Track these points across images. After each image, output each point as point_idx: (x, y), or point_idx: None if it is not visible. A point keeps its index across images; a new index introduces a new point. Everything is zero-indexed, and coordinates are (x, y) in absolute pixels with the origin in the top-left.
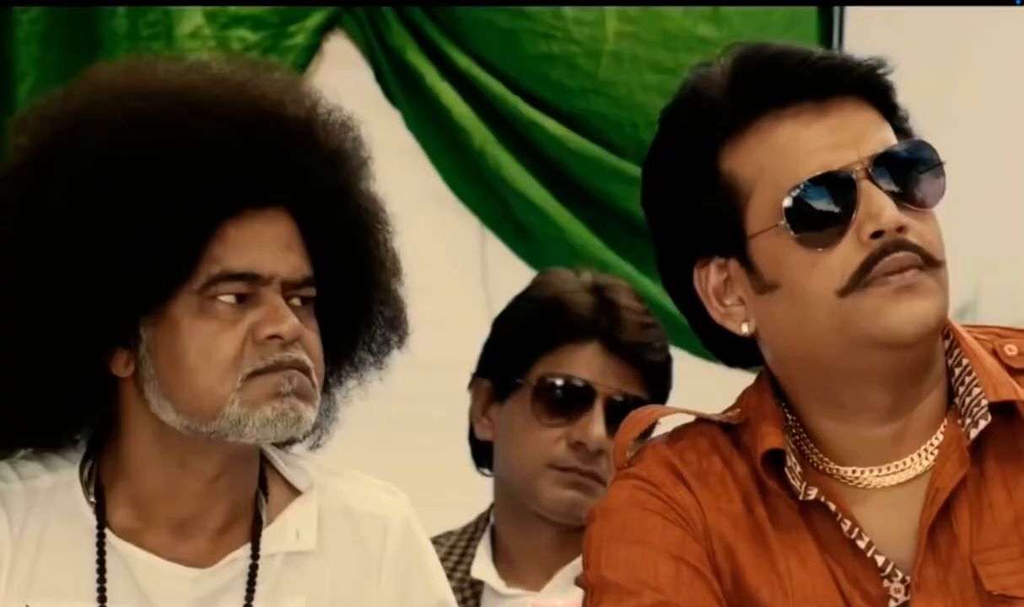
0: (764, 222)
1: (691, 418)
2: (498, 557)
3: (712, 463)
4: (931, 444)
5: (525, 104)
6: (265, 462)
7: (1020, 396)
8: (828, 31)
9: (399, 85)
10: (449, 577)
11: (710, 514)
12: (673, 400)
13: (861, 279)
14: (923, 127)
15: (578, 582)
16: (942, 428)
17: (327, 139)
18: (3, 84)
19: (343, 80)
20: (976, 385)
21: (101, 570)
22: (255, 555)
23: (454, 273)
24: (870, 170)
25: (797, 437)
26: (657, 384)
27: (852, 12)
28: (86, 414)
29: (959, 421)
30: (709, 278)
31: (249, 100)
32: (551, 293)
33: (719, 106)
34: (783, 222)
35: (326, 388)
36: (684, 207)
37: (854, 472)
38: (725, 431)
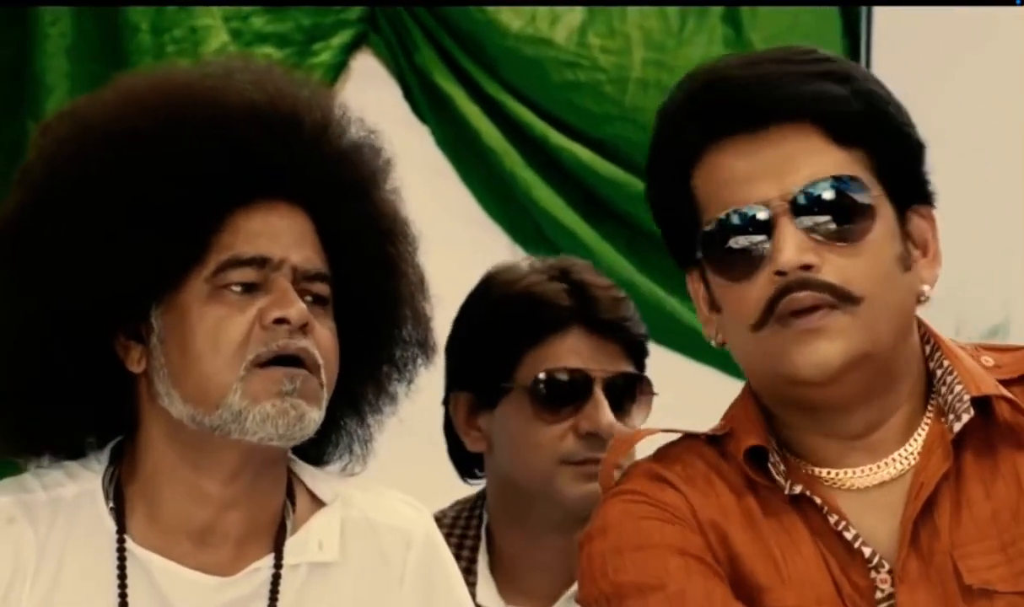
0: (700, 249)
1: (677, 436)
2: (498, 572)
3: (697, 468)
4: (912, 443)
5: (554, 130)
6: (292, 473)
7: (1000, 391)
8: (855, 42)
9: (427, 104)
10: None
11: (700, 509)
12: (691, 410)
13: (769, 317)
14: (953, 134)
15: (578, 600)
16: (924, 427)
17: (342, 139)
18: (34, 96)
19: (371, 98)
20: (958, 383)
21: (122, 578)
22: (278, 564)
23: None
24: (787, 205)
25: (779, 442)
26: (639, 356)
27: (879, 12)
28: (105, 414)
29: (942, 418)
30: (697, 286)
31: (264, 94)
32: (518, 289)
33: (683, 130)
34: (699, 253)
35: (354, 410)
36: (666, 218)
37: (833, 474)
38: (711, 443)
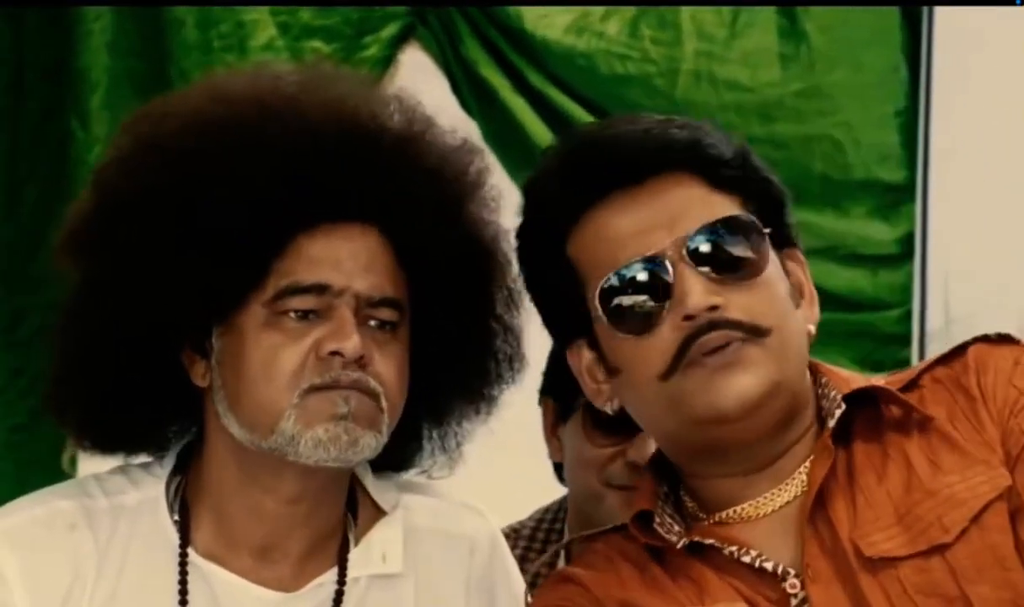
0: (595, 310)
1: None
2: None
3: (600, 556)
4: (807, 464)
5: None
6: (355, 480)
7: (871, 383)
8: (916, 39)
9: (474, 97)
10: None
11: (597, 588)
12: None
13: (679, 363)
14: (1015, 133)
15: None
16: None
17: (421, 156)
18: (78, 94)
19: (418, 91)
20: (831, 388)
21: (183, 591)
22: (342, 580)
23: None
24: (683, 252)
25: (677, 495)
26: None
27: (940, 13)
28: (174, 423)
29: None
30: (582, 356)
31: (338, 112)
32: None
33: (557, 197)
34: (598, 312)
35: (436, 420)
36: (544, 290)
37: (738, 510)
38: (619, 531)
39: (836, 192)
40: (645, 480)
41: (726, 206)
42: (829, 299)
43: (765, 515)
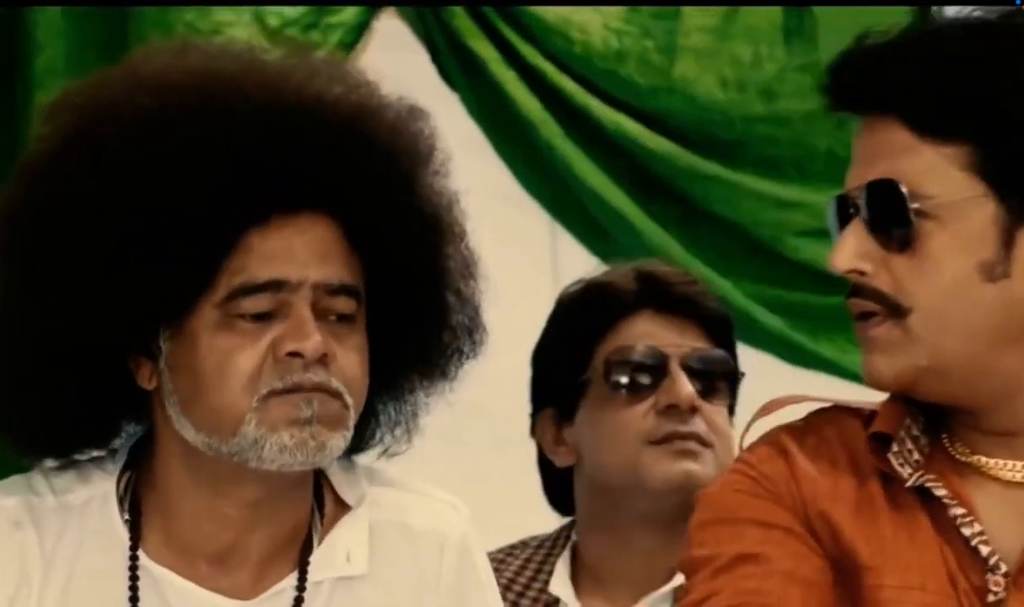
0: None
1: (828, 404)
2: (580, 574)
3: (828, 445)
4: None
5: (597, 100)
6: (320, 472)
7: None
8: (923, 10)
9: (458, 68)
10: (522, 594)
11: (805, 485)
12: (745, 396)
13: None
14: None
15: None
16: None
17: (374, 136)
18: (23, 54)
19: (396, 62)
20: None
21: (134, 598)
22: (301, 585)
23: (523, 274)
24: (858, 204)
25: (939, 426)
26: (720, 333)
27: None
28: (120, 424)
29: None
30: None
31: (280, 95)
32: (583, 287)
33: None
34: None
35: (394, 396)
36: None
37: (983, 461)
38: (865, 418)
39: (841, 171)
40: (897, 399)
41: (927, 162)
42: (834, 282)
43: (1005, 482)
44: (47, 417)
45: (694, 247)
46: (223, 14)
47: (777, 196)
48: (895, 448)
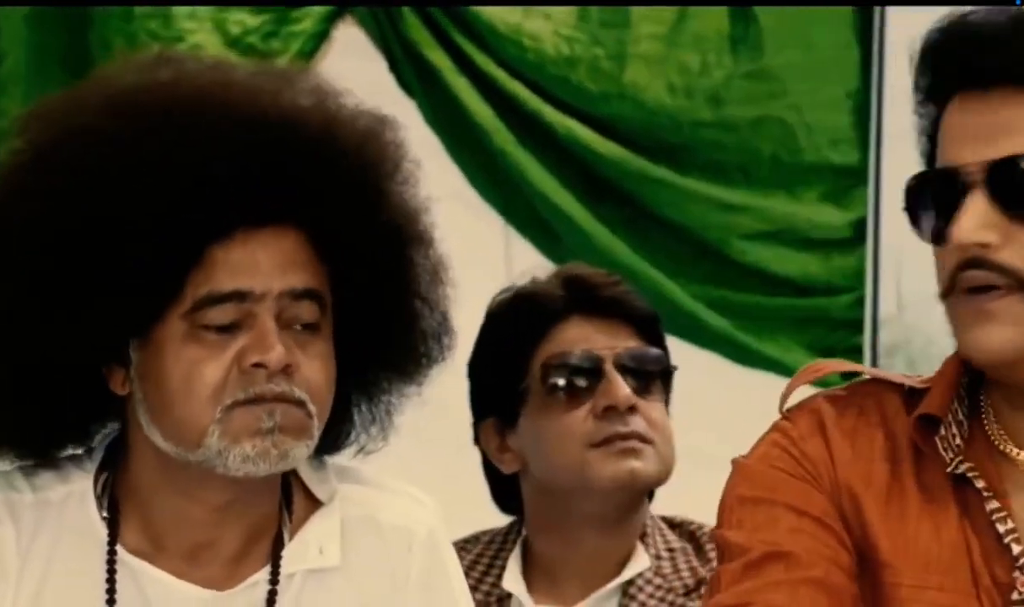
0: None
1: (867, 377)
2: (531, 571)
3: (866, 421)
4: None
5: (549, 107)
6: (290, 471)
7: None
8: (868, 18)
9: (415, 76)
10: (475, 589)
11: (841, 468)
12: (691, 396)
13: (951, 289)
14: None
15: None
16: None
17: (341, 149)
18: None
19: (354, 69)
20: None
21: (111, 589)
22: (275, 578)
23: (478, 276)
24: (985, 175)
25: (979, 411)
26: (650, 330)
27: (893, 13)
28: (94, 427)
29: None
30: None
31: (249, 110)
32: (511, 296)
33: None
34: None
35: (367, 397)
36: None
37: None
38: (906, 394)
39: (787, 175)
40: (948, 379)
41: None
42: (780, 284)
43: None
44: (23, 422)
45: (642, 249)
46: (185, 22)
47: (724, 200)
48: (942, 432)
